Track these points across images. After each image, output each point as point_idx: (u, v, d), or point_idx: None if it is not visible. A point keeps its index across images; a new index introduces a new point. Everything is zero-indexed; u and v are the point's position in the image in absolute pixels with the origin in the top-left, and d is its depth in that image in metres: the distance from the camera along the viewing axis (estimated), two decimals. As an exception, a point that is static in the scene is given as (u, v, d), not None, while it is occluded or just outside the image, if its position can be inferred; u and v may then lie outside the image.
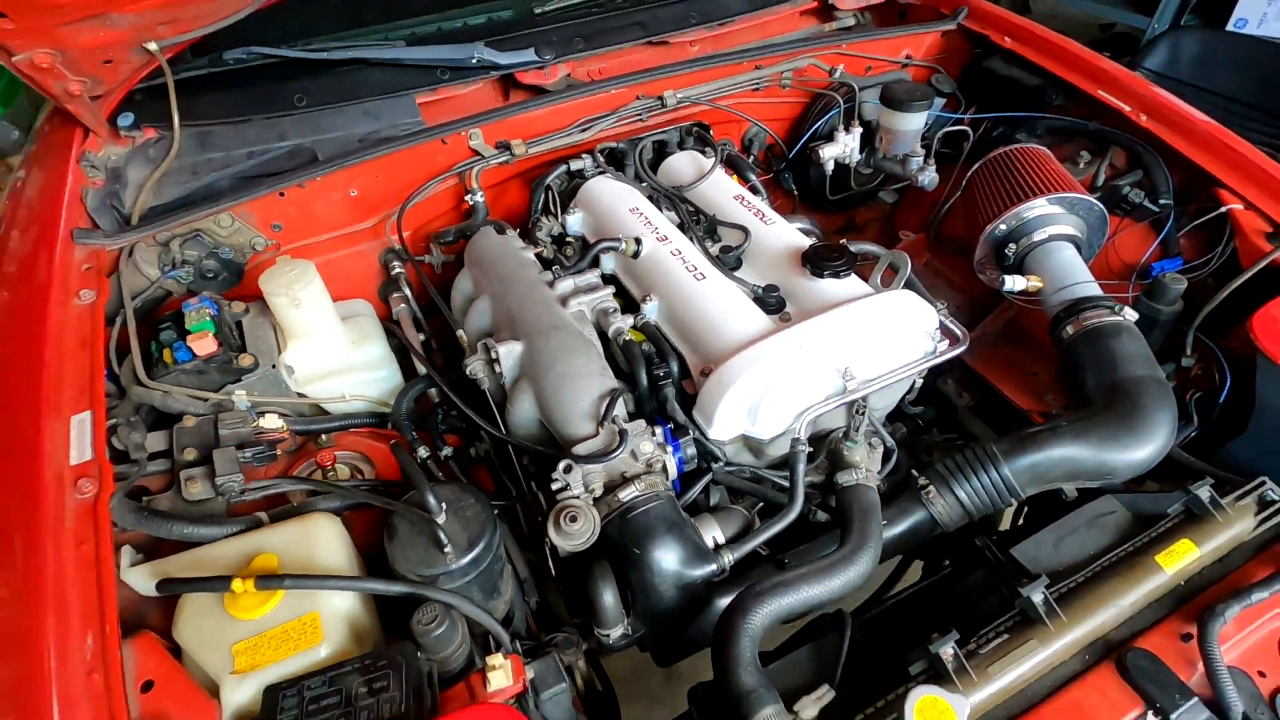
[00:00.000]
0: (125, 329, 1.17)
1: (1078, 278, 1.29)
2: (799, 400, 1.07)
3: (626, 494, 0.97)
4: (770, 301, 1.20)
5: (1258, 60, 2.35)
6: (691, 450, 1.07)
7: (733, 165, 1.73)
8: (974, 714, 0.87)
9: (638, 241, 1.29)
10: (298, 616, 0.84)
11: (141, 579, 0.89)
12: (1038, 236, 1.36)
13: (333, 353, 1.27)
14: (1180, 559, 1.01)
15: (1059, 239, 1.35)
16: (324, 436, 1.20)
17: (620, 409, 1.06)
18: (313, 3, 1.47)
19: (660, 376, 1.11)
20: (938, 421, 1.48)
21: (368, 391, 1.30)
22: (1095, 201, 1.36)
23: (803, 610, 0.94)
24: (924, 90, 1.64)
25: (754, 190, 1.72)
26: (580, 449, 1.01)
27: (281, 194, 1.35)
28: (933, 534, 1.15)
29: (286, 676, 0.80)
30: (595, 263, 1.32)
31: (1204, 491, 1.06)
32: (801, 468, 1.03)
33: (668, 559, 0.95)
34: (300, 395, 1.23)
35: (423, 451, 1.20)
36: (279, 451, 1.09)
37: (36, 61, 1.17)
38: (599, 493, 0.99)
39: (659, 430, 1.05)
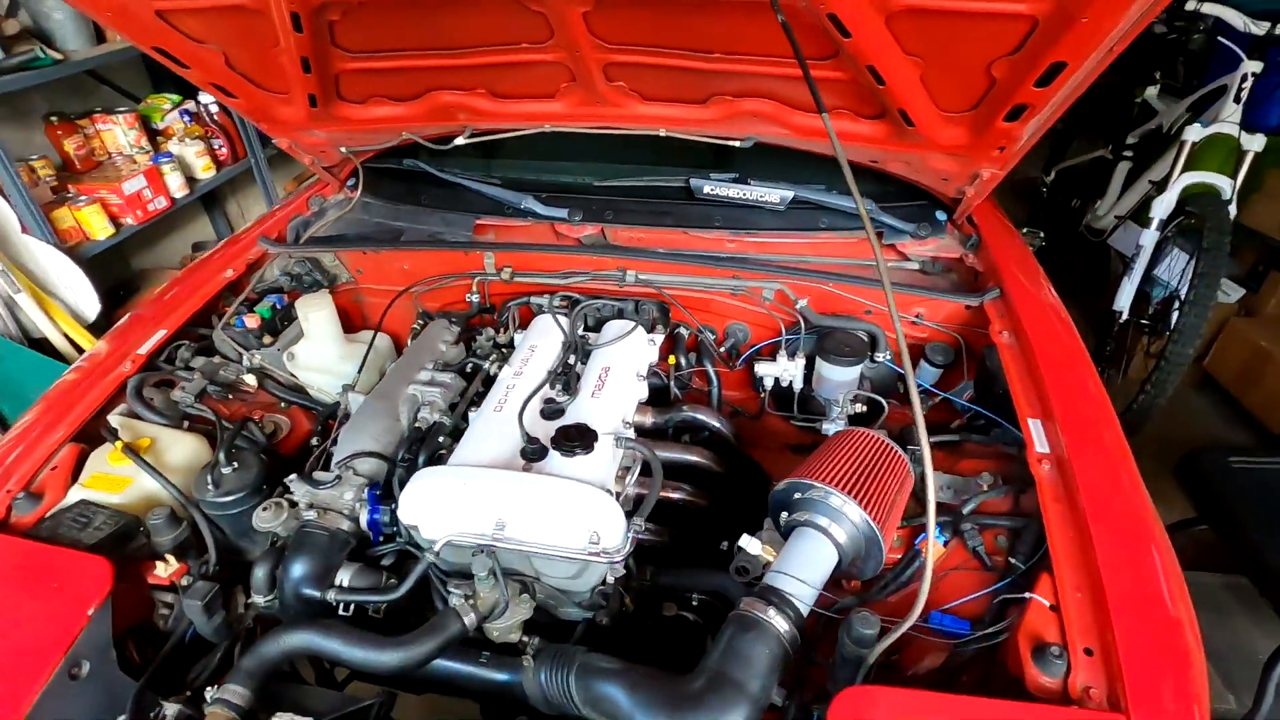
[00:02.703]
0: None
1: (795, 572, 1.25)
2: (451, 524, 1.33)
3: (308, 515, 1.38)
4: (529, 451, 1.46)
5: None
6: (389, 517, 1.42)
7: (701, 349, 1.95)
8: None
9: (500, 367, 1.66)
10: (123, 475, 1.46)
11: (114, 422, 1.61)
12: (803, 518, 1.33)
13: (322, 357, 1.91)
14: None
15: (823, 533, 1.31)
16: (284, 403, 1.85)
17: (366, 465, 1.47)
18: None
19: (403, 459, 1.48)
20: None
21: (332, 389, 1.91)
22: (878, 532, 1.27)
23: (331, 656, 1.23)
24: (855, 349, 1.65)
25: (707, 378, 1.91)
26: (314, 475, 1.45)
27: (365, 253, 2.06)
28: (524, 699, 1.29)
29: (89, 499, 1.41)
30: (473, 369, 1.74)
31: (690, 809, 1.02)
32: (419, 569, 1.31)
33: (297, 570, 1.33)
34: (291, 374, 1.90)
35: (315, 441, 1.76)
36: (230, 396, 1.76)
37: (284, 146, 2.05)
38: (304, 507, 1.41)
39: (367, 491, 1.43)
